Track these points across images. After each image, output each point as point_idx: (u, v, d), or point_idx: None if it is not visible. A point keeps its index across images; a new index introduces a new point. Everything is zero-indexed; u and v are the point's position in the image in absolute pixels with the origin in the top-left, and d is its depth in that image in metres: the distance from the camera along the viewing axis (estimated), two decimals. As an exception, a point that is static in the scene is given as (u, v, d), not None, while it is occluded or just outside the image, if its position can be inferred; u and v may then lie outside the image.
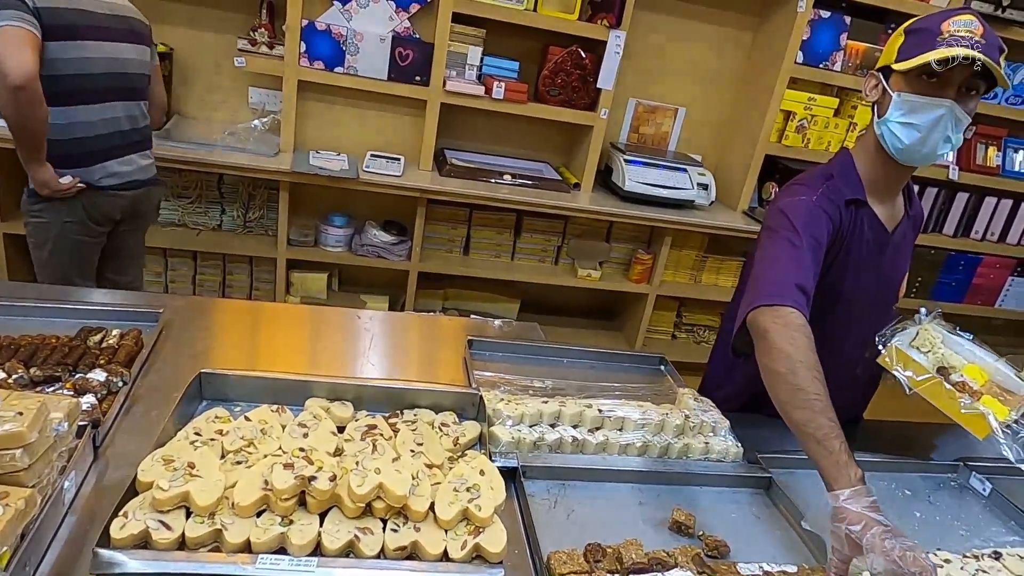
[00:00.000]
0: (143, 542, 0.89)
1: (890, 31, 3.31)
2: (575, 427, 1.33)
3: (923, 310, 1.44)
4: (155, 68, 2.36)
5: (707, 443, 1.36)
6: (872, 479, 1.42)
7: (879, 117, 1.39)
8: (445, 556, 0.95)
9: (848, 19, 3.25)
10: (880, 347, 1.37)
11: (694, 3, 3.32)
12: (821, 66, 3.28)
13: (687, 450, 1.35)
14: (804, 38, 3.18)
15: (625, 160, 3.23)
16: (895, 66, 1.33)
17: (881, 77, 1.38)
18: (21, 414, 0.88)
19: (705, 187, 3.29)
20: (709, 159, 3.62)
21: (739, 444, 1.38)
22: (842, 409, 1.63)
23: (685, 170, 3.29)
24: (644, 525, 1.18)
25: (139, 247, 2.50)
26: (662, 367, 1.74)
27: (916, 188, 1.62)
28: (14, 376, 1.17)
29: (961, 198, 3.72)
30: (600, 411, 1.34)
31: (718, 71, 3.49)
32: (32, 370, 1.20)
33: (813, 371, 1.14)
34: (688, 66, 3.45)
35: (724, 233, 3.33)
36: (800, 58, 3.22)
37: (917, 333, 1.41)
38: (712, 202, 3.35)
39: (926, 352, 1.38)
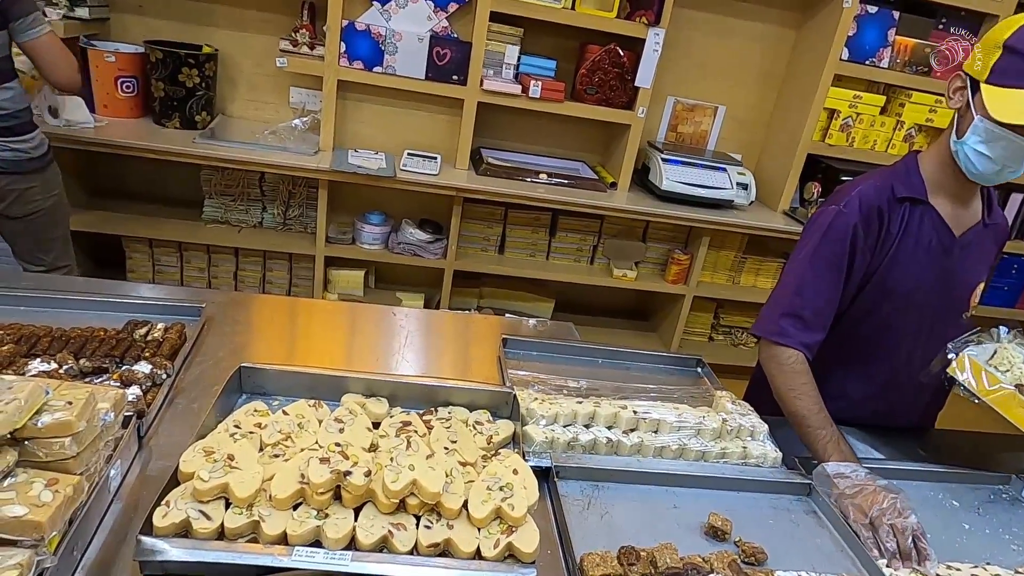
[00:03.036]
0: (184, 531, 0.91)
1: (941, 26, 3.20)
2: (610, 428, 1.32)
3: (1003, 328, 1.39)
4: (31, 45, 2.19)
5: (745, 447, 1.34)
6: (917, 488, 1.39)
7: (958, 136, 1.35)
8: (478, 554, 0.95)
9: (896, 14, 3.15)
10: (951, 356, 1.33)
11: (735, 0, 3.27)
12: (867, 63, 3.19)
13: (724, 454, 1.32)
14: (850, 34, 3.10)
15: (663, 159, 3.19)
16: (985, 88, 1.28)
17: (968, 87, 1.32)
18: (71, 404, 0.90)
19: (745, 187, 3.23)
20: (749, 158, 3.55)
21: (778, 449, 1.35)
22: (898, 413, 1.60)
23: (724, 169, 3.24)
24: (679, 529, 1.16)
25: (44, 231, 2.39)
26: (699, 369, 1.71)
27: (997, 194, 1.57)
28: (64, 367, 1.21)
29: (1015, 199, 3.58)
30: (635, 412, 1.33)
31: (759, 69, 3.43)
32: (81, 361, 1.24)
33: (811, 403, 1.40)
34: (728, 64, 3.39)
35: (764, 234, 3.27)
36: (845, 55, 3.14)
37: (995, 352, 1.36)
38: (752, 202, 3.29)
39: (1004, 372, 1.33)
